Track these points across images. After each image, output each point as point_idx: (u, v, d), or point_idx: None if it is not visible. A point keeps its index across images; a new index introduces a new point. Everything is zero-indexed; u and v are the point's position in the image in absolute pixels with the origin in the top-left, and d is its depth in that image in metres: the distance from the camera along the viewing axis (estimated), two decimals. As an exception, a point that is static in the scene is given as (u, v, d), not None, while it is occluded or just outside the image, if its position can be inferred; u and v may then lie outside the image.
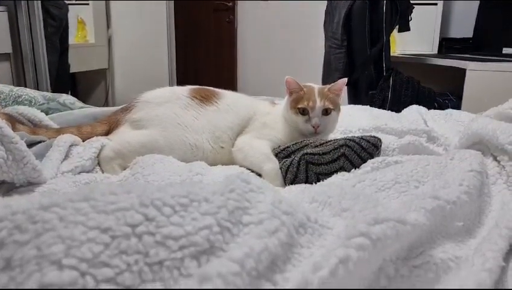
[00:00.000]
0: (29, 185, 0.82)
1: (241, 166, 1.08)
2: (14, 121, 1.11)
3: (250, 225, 0.48)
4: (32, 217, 0.43)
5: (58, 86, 2.46)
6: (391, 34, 2.39)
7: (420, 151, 1.10)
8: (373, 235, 0.48)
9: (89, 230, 0.42)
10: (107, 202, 0.46)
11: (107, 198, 0.46)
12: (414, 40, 2.94)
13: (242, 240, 0.47)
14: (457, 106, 2.21)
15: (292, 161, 1.01)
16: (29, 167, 0.79)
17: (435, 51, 2.98)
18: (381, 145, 1.04)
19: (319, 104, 1.09)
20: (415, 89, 2.26)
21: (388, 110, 1.67)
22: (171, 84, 3.70)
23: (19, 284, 0.38)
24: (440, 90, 2.55)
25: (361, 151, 0.99)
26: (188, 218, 0.47)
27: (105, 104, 3.36)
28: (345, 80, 1.13)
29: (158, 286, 0.41)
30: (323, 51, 2.63)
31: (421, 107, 1.60)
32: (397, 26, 2.47)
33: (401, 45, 3.01)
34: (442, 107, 2.21)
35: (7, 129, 0.77)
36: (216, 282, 0.37)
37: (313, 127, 1.10)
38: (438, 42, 2.99)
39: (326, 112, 1.10)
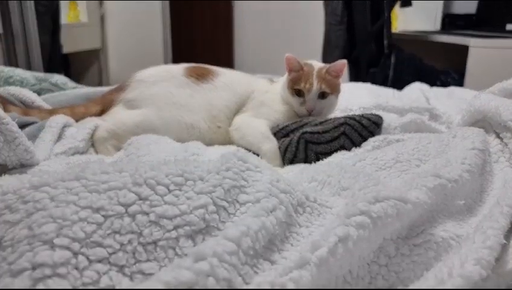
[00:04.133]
0: (22, 167, 0.80)
1: (238, 146, 1.06)
2: (5, 102, 1.08)
3: (247, 204, 0.47)
4: (23, 196, 0.42)
5: (50, 67, 2.42)
6: (392, 10, 2.35)
7: (422, 129, 1.08)
8: (373, 213, 0.47)
9: (81, 209, 0.41)
10: (99, 181, 0.44)
11: (99, 177, 0.45)
12: (416, 16, 2.89)
13: (238, 219, 0.46)
14: (460, 84, 2.18)
15: (291, 140, 0.99)
16: (21, 149, 0.77)
17: (438, 28, 2.93)
18: (382, 123, 1.03)
19: (315, 87, 1.06)
20: (417, 67, 2.23)
21: (390, 87, 1.65)
22: (166, 63, 3.65)
23: (11, 264, 0.37)
24: (443, 67, 2.51)
25: (362, 129, 0.97)
26: (183, 197, 0.45)
27: (99, 84, 3.32)
28: (345, 61, 1.09)
29: (153, 265, 0.40)
30: (324, 28, 2.59)
31: (423, 84, 1.58)
32: (399, 2, 2.43)
33: (403, 21, 2.96)
34: (444, 84, 2.18)
35: None
36: (211, 261, 0.36)
37: (307, 110, 1.08)
38: (440, 18, 2.94)
39: (323, 95, 1.08)
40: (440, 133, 0.97)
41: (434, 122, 1.18)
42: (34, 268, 0.36)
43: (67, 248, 0.38)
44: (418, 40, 2.67)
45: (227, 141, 1.10)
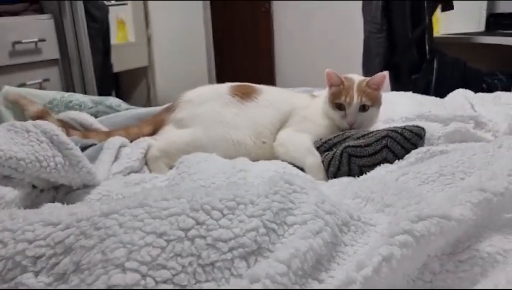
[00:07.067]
0: (85, 187, 0.87)
1: (283, 160, 1.09)
2: (67, 126, 1.18)
3: (295, 226, 0.50)
4: (95, 223, 0.48)
5: (102, 87, 2.55)
6: (434, 14, 2.30)
7: (467, 138, 1.06)
8: (416, 232, 0.49)
9: (147, 235, 0.46)
10: (160, 208, 0.49)
11: (160, 204, 0.50)
12: (459, 18, 2.81)
13: (287, 240, 0.49)
14: (508, 85, 2.11)
15: (334, 153, 1.01)
16: (84, 171, 0.84)
17: (482, 29, 2.84)
18: (424, 135, 1.03)
19: (356, 100, 1.08)
20: (461, 70, 2.17)
21: (433, 94, 1.62)
22: (210, 79, 3.75)
23: (89, 285, 0.42)
24: (489, 69, 2.43)
25: (404, 141, 0.98)
26: (236, 220, 0.49)
27: (148, 100, 3.46)
28: (385, 73, 1.10)
29: (212, 285, 0.44)
30: (363, 36, 2.57)
31: (468, 90, 1.54)
32: (440, 6, 2.38)
33: (445, 24, 2.89)
34: (491, 87, 2.12)
35: (63, 136, 0.83)
36: (265, 282, 0.40)
37: (348, 123, 1.10)
38: (485, 19, 2.84)
39: (363, 108, 1.10)
40: (485, 143, 0.95)
41: (479, 131, 1.16)
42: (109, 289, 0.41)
43: (137, 271, 0.42)
44: (462, 42, 2.60)
45: (272, 156, 1.13)
